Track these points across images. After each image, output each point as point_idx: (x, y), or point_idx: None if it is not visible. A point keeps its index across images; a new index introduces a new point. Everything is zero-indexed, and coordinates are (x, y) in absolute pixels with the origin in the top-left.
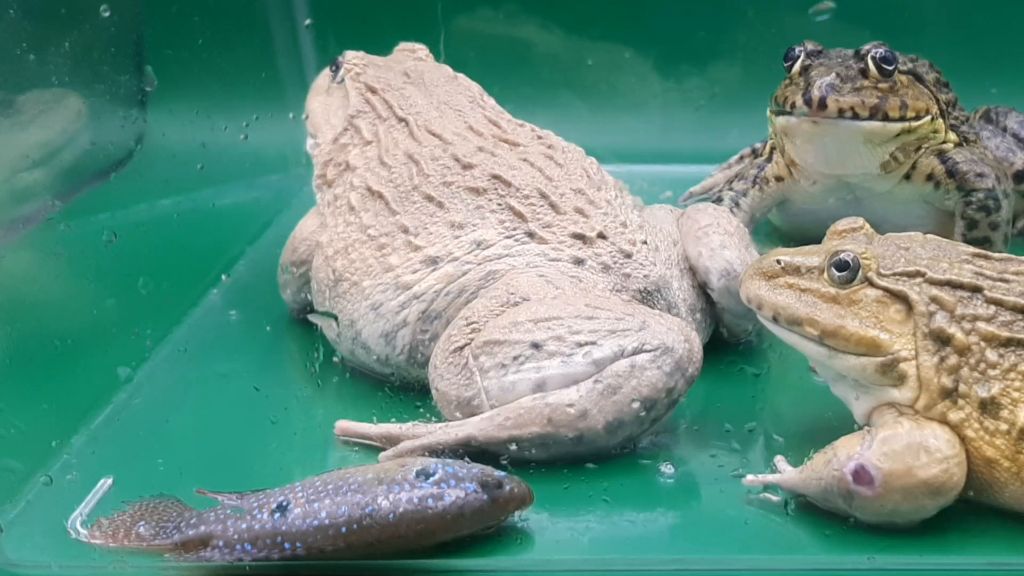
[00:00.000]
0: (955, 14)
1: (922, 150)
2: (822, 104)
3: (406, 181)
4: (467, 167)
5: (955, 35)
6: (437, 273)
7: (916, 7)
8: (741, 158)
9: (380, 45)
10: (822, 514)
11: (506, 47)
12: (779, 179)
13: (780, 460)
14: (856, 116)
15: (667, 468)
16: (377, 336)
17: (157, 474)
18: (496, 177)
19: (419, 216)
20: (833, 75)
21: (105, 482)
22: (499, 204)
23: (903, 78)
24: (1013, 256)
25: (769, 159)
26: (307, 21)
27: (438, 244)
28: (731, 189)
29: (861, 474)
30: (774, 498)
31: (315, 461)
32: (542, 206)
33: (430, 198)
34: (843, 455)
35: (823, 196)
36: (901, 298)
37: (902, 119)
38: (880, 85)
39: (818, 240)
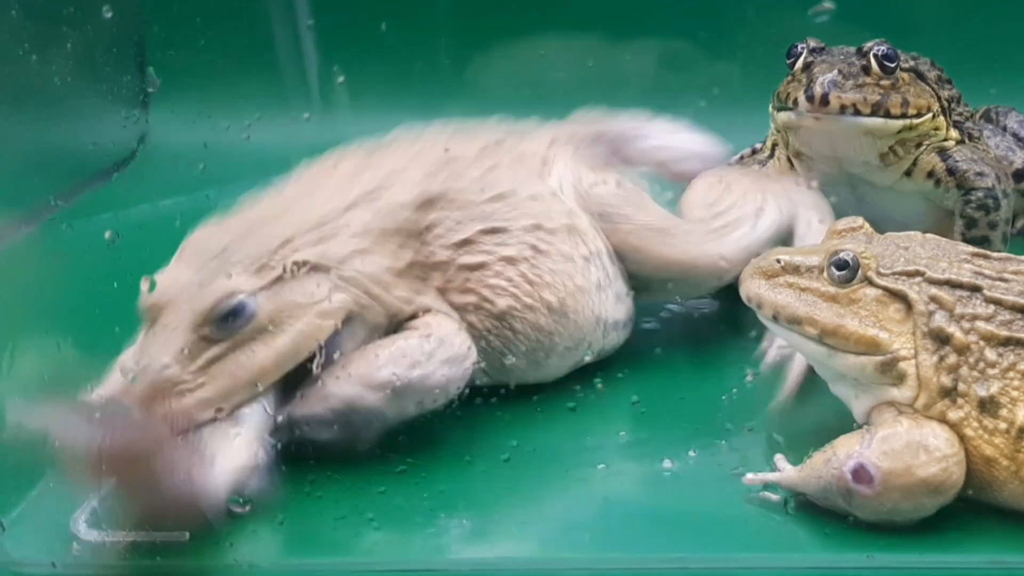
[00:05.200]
0: (955, 14)
1: (923, 147)
2: (824, 101)
3: None
4: None
5: (955, 35)
6: None
7: (916, 7)
8: (741, 158)
9: (380, 45)
10: (822, 512)
11: (506, 47)
12: None
13: (780, 459)
14: (858, 113)
15: (667, 466)
16: None
17: None
18: None
19: None
20: (835, 72)
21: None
22: None
23: (905, 75)
24: (1012, 255)
25: (771, 155)
26: (309, 22)
27: None
28: None
29: (860, 473)
30: (774, 497)
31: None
32: None
33: None
34: (842, 454)
35: (824, 194)
36: (900, 297)
37: (903, 116)
38: (882, 82)
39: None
